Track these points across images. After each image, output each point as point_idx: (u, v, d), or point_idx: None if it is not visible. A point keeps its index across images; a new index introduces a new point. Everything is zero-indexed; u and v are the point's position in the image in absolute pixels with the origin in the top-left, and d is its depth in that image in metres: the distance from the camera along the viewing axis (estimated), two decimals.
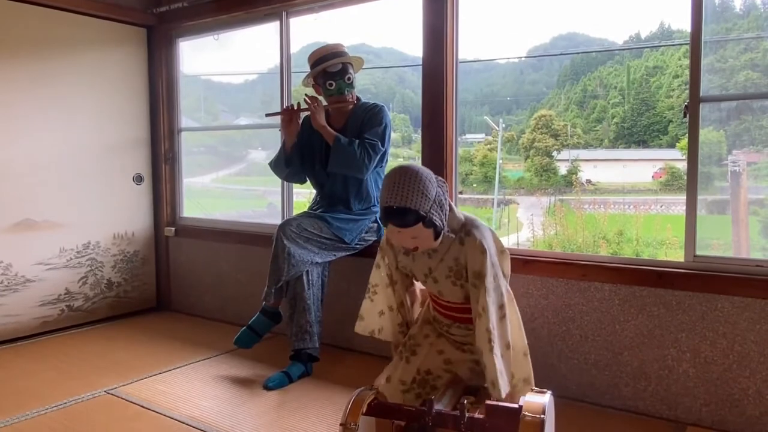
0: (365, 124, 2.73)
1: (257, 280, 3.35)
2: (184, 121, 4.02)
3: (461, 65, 2.84)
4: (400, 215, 1.77)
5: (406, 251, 2.00)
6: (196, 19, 3.70)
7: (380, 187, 2.85)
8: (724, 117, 2.37)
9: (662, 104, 9.04)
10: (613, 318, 2.37)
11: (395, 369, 2.08)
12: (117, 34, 3.72)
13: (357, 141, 2.67)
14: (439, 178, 1.89)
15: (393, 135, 2.85)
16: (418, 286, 2.21)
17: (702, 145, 2.25)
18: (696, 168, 2.24)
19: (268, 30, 3.49)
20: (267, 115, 2.95)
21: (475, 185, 9.54)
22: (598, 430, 2.22)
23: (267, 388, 2.57)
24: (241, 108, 4.78)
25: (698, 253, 2.27)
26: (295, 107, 2.78)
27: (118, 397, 2.50)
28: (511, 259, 2.11)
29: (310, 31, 3.47)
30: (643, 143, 9.16)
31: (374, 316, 2.12)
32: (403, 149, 9.64)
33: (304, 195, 4.14)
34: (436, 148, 2.83)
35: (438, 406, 1.71)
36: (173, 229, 3.92)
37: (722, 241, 2.62)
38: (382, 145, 2.70)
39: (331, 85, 2.72)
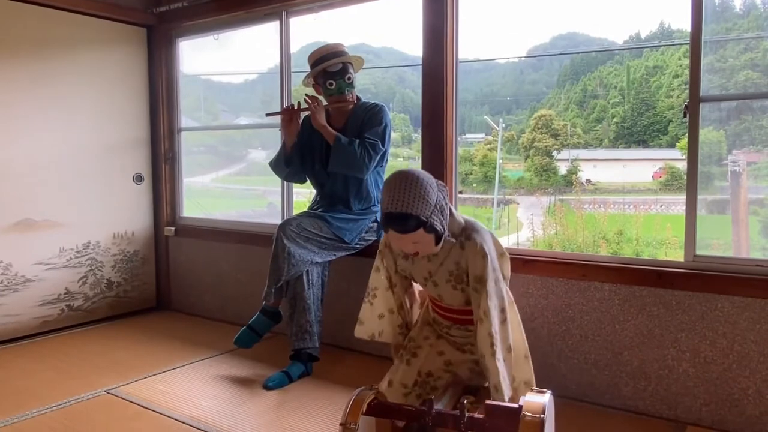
0: (365, 123, 2.73)
1: (257, 280, 3.35)
2: (184, 120, 4.02)
3: (461, 65, 2.84)
4: (401, 221, 1.75)
5: (406, 255, 1.99)
6: (196, 19, 3.70)
7: (380, 186, 2.87)
8: (724, 117, 2.37)
9: (662, 104, 9.04)
10: (613, 318, 2.38)
11: (396, 372, 2.08)
12: (117, 34, 3.72)
13: (357, 141, 2.67)
14: (439, 182, 1.88)
15: (393, 135, 2.85)
16: (417, 287, 2.21)
17: (702, 145, 2.25)
18: (696, 168, 2.24)
19: (268, 30, 3.49)
20: (267, 114, 2.95)
21: (475, 185, 9.54)
22: (598, 429, 2.22)
23: (267, 387, 2.57)
24: (241, 108, 4.78)
25: (698, 252, 2.27)
26: (296, 107, 2.78)
27: (118, 396, 2.50)
28: (511, 258, 2.11)
29: (309, 30, 3.47)
30: (643, 143, 9.17)
31: (374, 319, 2.12)
32: (403, 149, 9.65)
33: (304, 195, 4.14)
34: (436, 147, 2.83)
35: (438, 406, 1.72)
36: (173, 228, 3.92)
37: (722, 240, 2.62)
38: (383, 145, 2.70)
39: (331, 84, 2.72)
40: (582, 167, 9.18)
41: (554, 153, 9.25)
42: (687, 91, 2.26)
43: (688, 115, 2.26)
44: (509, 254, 2.08)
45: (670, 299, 2.26)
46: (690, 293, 2.22)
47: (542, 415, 1.49)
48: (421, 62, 2.87)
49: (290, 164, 2.84)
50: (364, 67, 2.86)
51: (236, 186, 5.00)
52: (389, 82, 10.22)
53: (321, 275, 2.77)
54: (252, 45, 3.93)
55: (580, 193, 8.70)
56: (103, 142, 3.67)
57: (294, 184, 3.33)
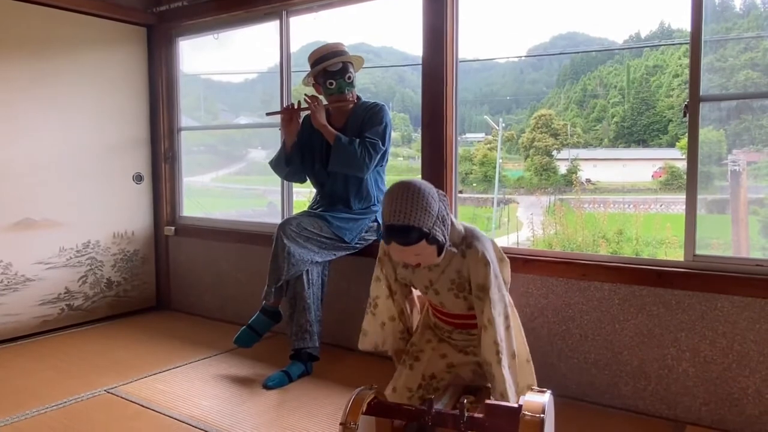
0: (366, 123, 2.73)
1: (257, 280, 3.35)
2: (184, 120, 4.02)
3: (461, 64, 2.84)
4: (403, 233, 1.74)
5: (406, 264, 1.99)
6: (196, 18, 3.70)
7: (380, 186, 2.88)
8: (724, 116, 2.37)
9: (662, 103, 9.05)
10: (613, 317, 2.38)
11: (399, 377, 2.08)
12: (117, 34, 3.71)
13: (357, 140, 2.67)
14: (440, 191, 1.86)
15: (393, 134, 2.85)
16: (416, 292, 2.20)
17: (702, 145, 2.25)
18: (696, 167, 2.24)
19: (268, 29, 3.49)
20: (267, 114, 2.95)
21: (474, 184, 9.55)
22: (597, 429, 2.22)
23: (267, 387, 2.57)
24: (241, 107, 4.78)
25: (698, 252, 2.27)
26: (296, 106, 2.78)
27: (117, 396, 2.50)
28: (511, 258, 2.11)
29: (309, 30, 3.47)
30: (642, 142, 9.17)
31: (376, 329, 2.12)
32: (403, 148, 9.65)
33: (304, 194, 4.14)
34: (435, 147, 2.83)
35: (437, 406, 1.72)
36: (173, 228, 3.92)
37: (722, 240, 2.62)
38: (383, 144, 2.70)
39: (331, 84, 2.72)
40: (582, 167, 9.19)
41: (554, 152, 9.26)
42: (687, 90, 2.26)
43: (688, 115, 2.26)
44: (509, 254, 2.08)
45: (670, 299, 2.26)
46: (690, 293, 2.22)
47: (542, 415, 1.49)
48: (421, 62, 2.86)
49: (290, 164, 2.84)
50: (364, 66, 2.86)
51: (236, 185, 4.99)
52: (389, 81, 10.23)
53: (321, 275, 2.77)
54: (252, 44, 3.93)
55: (579, 192, 8.71)
56: (103, 142, 3.66)
57: (294, 184, 3.33)
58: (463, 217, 2.75)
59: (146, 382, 2.65)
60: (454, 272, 1.91)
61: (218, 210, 4.56)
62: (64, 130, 3.47)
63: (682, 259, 2.30)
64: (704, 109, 2.27)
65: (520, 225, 8.57)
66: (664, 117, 8.96)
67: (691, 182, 2.26)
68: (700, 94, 2.23)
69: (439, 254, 1.82)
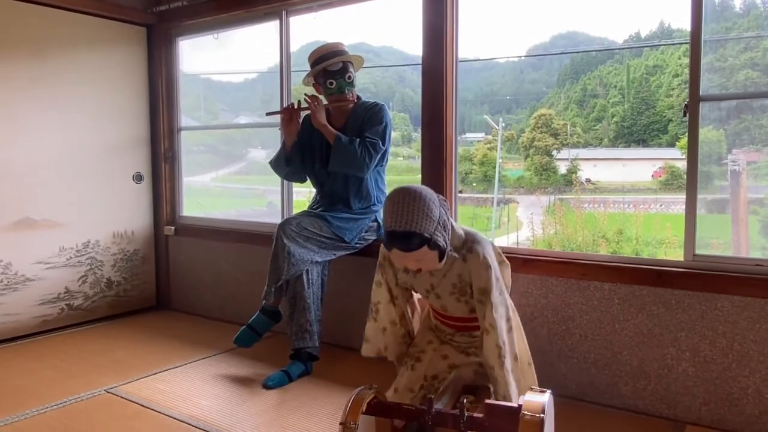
0: (366, 122, 2.73)
1: (257, 279, 3.35)
2: (184, 120, 4.02)
3: (461, 64, 2.84)
4: (404, 239, 1.74)
5: (407, 269, 1.99)
6: (196, 18, 3.70)
7: (380, 186, 2.88)
8: (724, 116, 2.37)
9: (662, 103, 9.04)
10: (613, 317, 2.38)
11: (401, 379, 2.09)
12: (117, 33, 3.71)
13: (358, 140, 2.67)
14: (440, 196, 1.87)
15: (393, 134, 2.85)
16: (417, 295, 2.21)
17: (702, 144, 2.25)
18: (696, 167, 2.24)
19: (268, 29, 3.49)
20: (267, 114, 2.95)
21: (474, 184, 9.54)
22: (597, 429, 2.22)
23: (267, 387, 2.57)
24: (240, 107, 4.78)
25: (698, 252, 2.27)
26: (296, 106, 2.78)
27: (117, 396, 2.50)
28: (511, 258, 2.12)
29: (309, 30, 3.47)
30: (642, 142, 9.17)
31: (379, 334, 2.12)
32: (403, 148, 9.64)
33: (304, 194, 4.14)
34: (435, 146, 2.83)
35: (437, 405, 1.71)
36: (173, 228, 3.92)
37: (722, 240, 2.62)
38: (383, 144, 2.70)
39: (331, 83, 2.72)
40: (582, 166, 9.19)
41: (554, 152, 9.26)
42: (687, 90, 2.26)
43: (687, 115, 2.26)
44: (508, 254, 2.08)
45: (670, 298, 2.26)
46: (690, 292, 2.22)
47: (542, 415, 1.49)
48: (420, 61, 2.86)
49: (290, 163, 2.84)
50: (364, 66, 2.86)
51: (236, 185, 4.99)
52: (389, 81, 10.22)
53: (321, 274, 2.77)
54: (252, 44, 3.93)
55: (579, 192, 8.71)
56: (103, 142, 3.66)
57: (294, 184, 3.33)
58: (463, 217, 2.75)
59: (146, 381, 2.65)
60: (456, 276, 1.91)
61: (218, 210, 4.56)
62: (64, 130, 3.47)
63: (682, 258, 2.30)
64: (704, 108, 2.27)
65: (519, 225, 8.57)
66: (664, 117, 8.96)
67: (691, 182, 2.26)
68: (700, 93, 2.23)
69: (441, 259, 1.82)
